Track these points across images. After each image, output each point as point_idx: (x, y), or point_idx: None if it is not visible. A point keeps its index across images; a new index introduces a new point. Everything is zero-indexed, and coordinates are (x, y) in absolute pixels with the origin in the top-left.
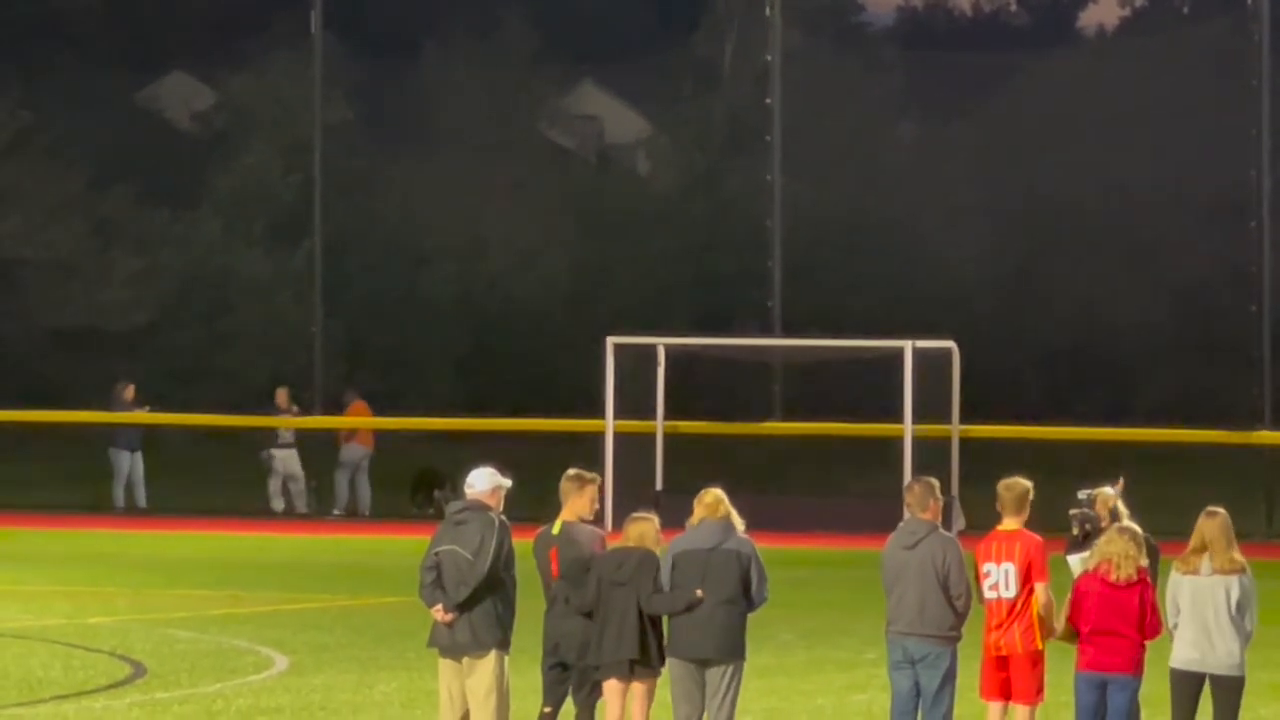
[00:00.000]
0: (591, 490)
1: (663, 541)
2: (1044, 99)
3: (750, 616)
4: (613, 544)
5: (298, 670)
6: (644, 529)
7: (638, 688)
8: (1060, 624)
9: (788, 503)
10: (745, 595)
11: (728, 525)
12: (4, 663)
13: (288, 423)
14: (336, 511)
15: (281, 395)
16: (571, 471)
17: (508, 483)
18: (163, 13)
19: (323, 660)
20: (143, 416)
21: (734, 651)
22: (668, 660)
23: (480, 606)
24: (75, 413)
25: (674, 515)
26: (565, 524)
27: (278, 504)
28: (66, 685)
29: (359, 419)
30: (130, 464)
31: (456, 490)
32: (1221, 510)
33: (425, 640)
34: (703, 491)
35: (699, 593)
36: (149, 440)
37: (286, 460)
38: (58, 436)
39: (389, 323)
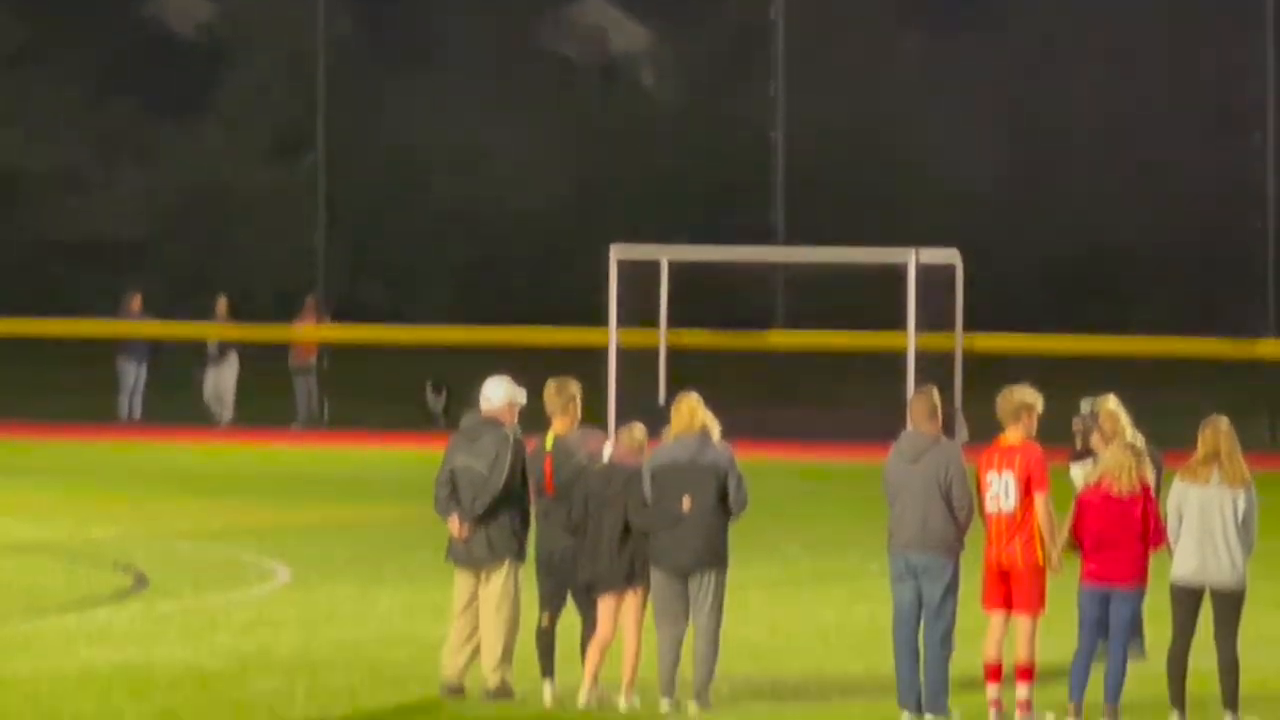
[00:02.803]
0: (577, 399)
1: (649, 450)
2: (1051, 11)
3: (755, 528)
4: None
5: (300, 582)
6: (624, 438)
7: (630, 600)
8: (1062, 537)
9: (791, 414)
10: (723, 503)
11: (704, 436)
12: (6, 575)
13: (217, 334)
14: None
15: (221, 304)
16: (553, 383)
17: (523, 399)
18: None
19: (325, 572)
20: (149, 327)
21: (713, 559)
22: (651, 573)
23: (496, 520)
24: (82, 322)
25: None
26: (557, 438)
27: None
28: (69, 597)
29: (310, 329)
30: (137, 375)
31: (440, 393)
32: (1226, 420)
33: (427, 553)
34: (677, 400)
35: (686, 505)
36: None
37: (220, 372)
38: (61, 346)
39: (391, 235)
